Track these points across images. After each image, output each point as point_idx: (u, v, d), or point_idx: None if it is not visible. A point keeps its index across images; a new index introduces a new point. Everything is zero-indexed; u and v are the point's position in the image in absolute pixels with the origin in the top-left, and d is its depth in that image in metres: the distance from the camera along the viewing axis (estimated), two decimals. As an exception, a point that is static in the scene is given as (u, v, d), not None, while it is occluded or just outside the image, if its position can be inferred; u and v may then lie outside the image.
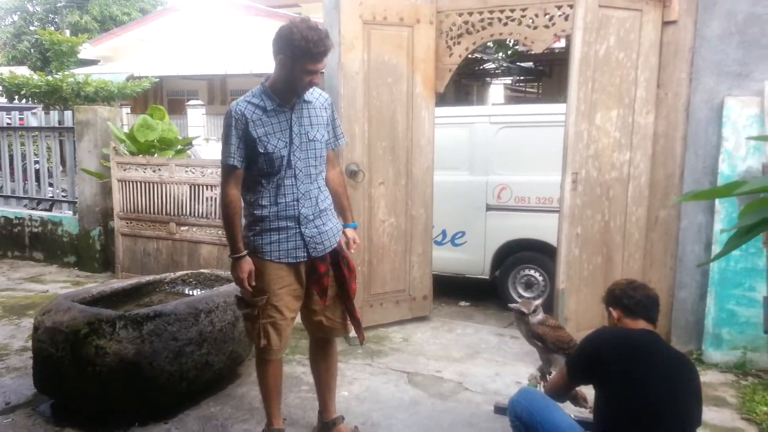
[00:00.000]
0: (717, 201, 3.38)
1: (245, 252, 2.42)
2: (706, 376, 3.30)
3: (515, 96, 17.86)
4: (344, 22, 3.81)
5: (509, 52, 12.14)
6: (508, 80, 15.90)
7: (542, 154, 4.33)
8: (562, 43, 5.57)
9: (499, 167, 4.68)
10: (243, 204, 2.49)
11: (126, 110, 17.97)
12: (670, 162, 3.59)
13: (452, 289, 4.97)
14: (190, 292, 3.57)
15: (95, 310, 2.90)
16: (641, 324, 2.15)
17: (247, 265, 2.41)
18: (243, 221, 2.51)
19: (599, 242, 3.47)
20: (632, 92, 3.49)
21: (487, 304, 4.89)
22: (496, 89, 17.51)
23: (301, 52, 2.24)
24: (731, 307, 3.37)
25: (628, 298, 2.18)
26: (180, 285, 3.67)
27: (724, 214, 3.37)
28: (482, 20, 4.03)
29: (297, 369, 3.40)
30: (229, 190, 2.41)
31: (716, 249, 3.40)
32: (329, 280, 2.51)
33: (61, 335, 2.80)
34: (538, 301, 2.83)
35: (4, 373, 3.39)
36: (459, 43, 4.15)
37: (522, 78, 15.03)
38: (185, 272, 3.75)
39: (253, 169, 2.40)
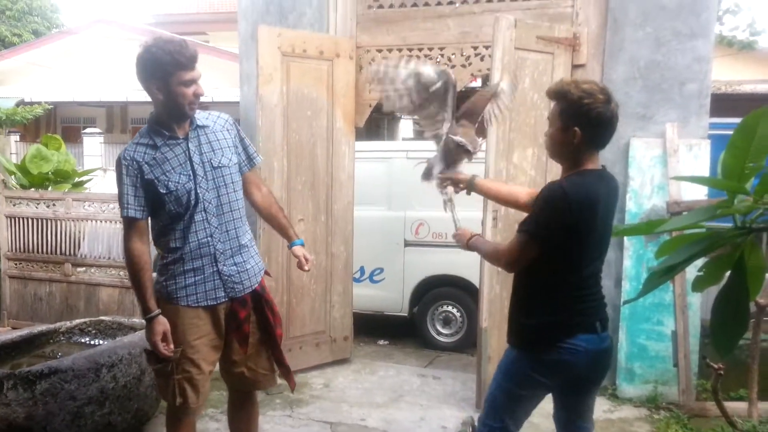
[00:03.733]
0: (626, 238, 3.53)
1: (157, 311, 2.16)
2: (622, 412, 3.39)
3: (423, 131, 18.27)
4: (262, 54, 3.70)
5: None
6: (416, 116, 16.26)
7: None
8: (478, 83, 5.74)
9: (416, 203, 4.69)
10: (157, 250, 2.27)
11: (15, 138, 16.70)
12: (583, 199, 3.72)
13: (371, 328, 4.88)
14: (90, 343, 3.25)
15: (-24, 370, 2.55)
16: (598, 157, 1.92)
17: (161, 326, 2.14)
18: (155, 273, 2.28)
19: (519, 279, 3.52)
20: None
21: (405, 342, 4.84)
22: (406, 124, 17.88)
23: (171, 66, 2.06)
24: (642, 342, 3.50)
25: (599, 114, 1.83)
26: (78, 335, 3.32)
27: (632, 250, 3.52)
28: (402, 58, 4.05)
29: (210, 425, 3.15)
30: (132, 245, 2.17)
31: (626, 285, 3.54)
32: (250, 327, 2.30)
33: (-66, 400, 2.43)
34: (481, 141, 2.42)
35: None
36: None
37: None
38: (83, 320, 3.41)
39: (159, 212, 2.19)
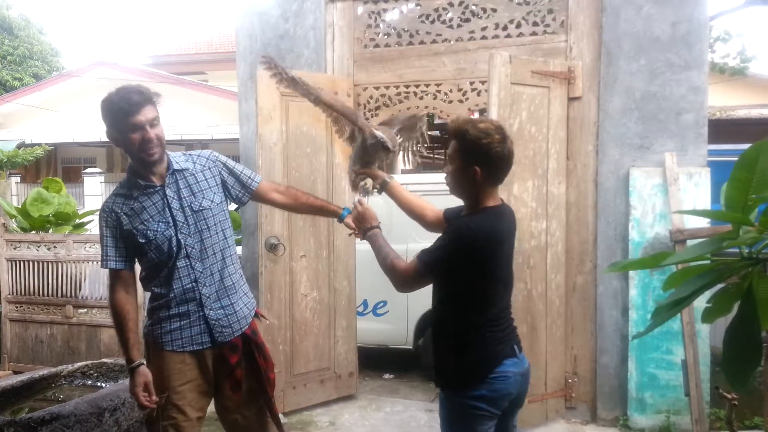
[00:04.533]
0: (630, 266, 3.52)
1: (138, 362, 2.14)
2: (635, 442, 3.34)
3: (423, 162, 18.42)
4: (261, 94, 3.75)
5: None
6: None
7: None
8: (476, 116, 5.83)
9: (417, 235, 4.69)
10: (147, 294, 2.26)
11: (16, 179, 16.79)
12: (583, 229, 3.73)
13: (376, 362, 4.83)
14: (92, 386, 3.21)
15: (-23, 418, 2.51)
16: (497, 192, 2.00)
17: (141, 377, 2.11)
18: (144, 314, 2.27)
19: (524, 311, 3.50)
20: (545, 164, 3.64)
21: (411, 375, 4.78)
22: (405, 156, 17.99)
23: (119, 112, 2.06)
24: (652, 371, 3.46)
25: (497, 153, 1.88)
26: (80, 378, 3.29)
27: (638, 279, 3.51)
28: (399, 94, 4.11)
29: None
30: (115, 295, 2.17)
31: (633, 314, 3.52)
32: (242, 372, 2.24)
33: (-66, 450, 2.39)
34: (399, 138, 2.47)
35: None
36: (377, 115, 4.19)
37: (430, 145, 15.58)
38: (85, 363, 3.38)
39: (143, 260, 2.19)
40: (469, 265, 1.90)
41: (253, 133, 3.99)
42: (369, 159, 2.34)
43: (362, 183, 2.36)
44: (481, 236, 1.88)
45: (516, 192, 3.49)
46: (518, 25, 3.82)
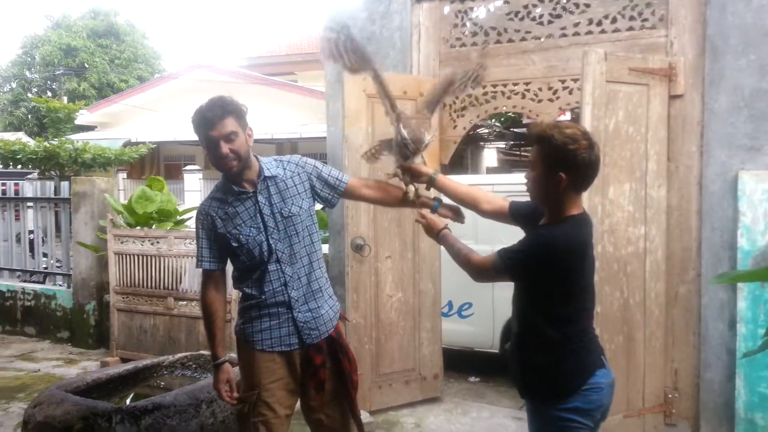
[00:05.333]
0: (737, 276, 3.28)
1: (222, 359, 2.26)
2: (740, 465, 3.11)
3: (509, 159, 18.07)
4: (348, 96, 3.80)
5: (502, 119, 12.35)
6: (501, 144, 16.11)
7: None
8: (567, 116, 5.62)
9: (504, 236, 4.59)
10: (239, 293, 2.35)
11: (123, 176, 18.04)
12: (686, 236, 3.51)
13: (461, 364, 4.78)
14: (191, 377, 3.39)
15: (90, 403, 2.71)
16: (581, 200, 1.93)
17: (225, 374, 2.25)
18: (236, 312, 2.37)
19: (620, 321, 3.34)
20: (643, 166, 3.45)
21: (497, 380, 4.69)
22: (490, 153, 17.72)
23: (198, 126, 2.12)
24: (763, 390, 3.21)
25: (584, 160, 1.82)
26: (179, 369, 3.48)
27: (747, 291, 3.26)
28: (486, 94, 4.04)
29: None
30: (205, 293, 2.30)
31: (741, 328, 3.27)
32: (326, 373, 2.28)
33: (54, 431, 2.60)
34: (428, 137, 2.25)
35: (-12, 470, 3.16)
36: (463, 115, 4.15)
37: (516, 143, 15.23)
38: (184, 354, 3.58)
39: (235, 261, 2.28)
40: (554, 276, 1.87)
41: (339, 135, 4.05)
42: (401, 154, 2.26)
43: (408, 189, 2.32)
44: (566, 248, 1.85)
45: (612, 195, 3.33)
46: (613, 20, 3.65)
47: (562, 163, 1.84)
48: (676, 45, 3.47)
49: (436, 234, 2.20)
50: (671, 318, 3.53)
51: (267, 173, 2.23)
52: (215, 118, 2.10)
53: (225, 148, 2.11)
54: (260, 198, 2.21)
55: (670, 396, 3.53)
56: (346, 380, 2.31)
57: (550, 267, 1.85)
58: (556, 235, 1.87)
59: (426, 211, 2.29)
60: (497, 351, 4.64)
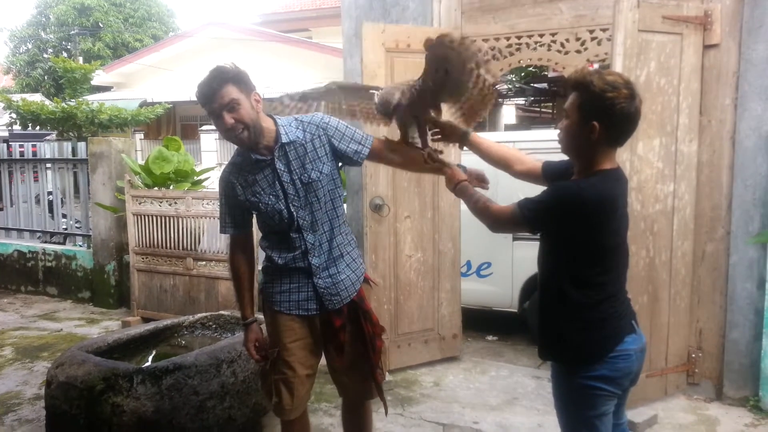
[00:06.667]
0: (769, 234, 3.17)
1: (251, 319, 2.28)
2: (766, 426, 3.06)
3: (528, 117, 17.72)
4: (366, 50, 3.66)
5: (522, 74, 12.03)
6: (520, 101, 15.77)
7: (573, 181, 4.15)
8: (595, 68, 5.42)
9: (524, 195, 4.49)
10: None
11: (139, 136, 18.05)
12: (716, 193, 3.39)
13: (479, 323, 4.76)
14: (211, 337, 3.39)
15: (111, 364, 2.72)
16: (615, 155, 1.82)
17: (253, 334, 2.27)
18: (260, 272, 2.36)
19: (644, 280, 3.26)
20: (674, 120, 3.30)
21: (516, 338, 4.67)
22: (508, 110, 17.38)
23: (199, 100, 2.03)
24: (791, 350, 3.13)
25: (622, 109, 1.71)
26: (199, 329, 3.49)
27: (780, 249, 3.15)
28: (510, 46, 3.87)
29: (324, 420, 3.19)
30: (233, 256, 2.31)
31: (772, 287, 3.18)
32: (346, 336, 2.24)
33: (76, 391, 2.62)
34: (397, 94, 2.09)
35: (16, 426, 3.22)
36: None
37: (536, 99, 14.89)
38: (204, 315, 3.57)
39: (259, 222, 2.25)
40: (579, 232, 1.76)
41: (358, 91, 3.93)
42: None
43: (424, 150, 2.20)
44: (593, 201, 1.73)
45: (640, 151, 3.20)
46: (647, -35, 3.44)
47: (598, 112, 1.73)
48: (712, -10, 3.27)
49: (455, 185, 2.10)
50: (697, 277, 3.44)
51: (285, 139, 2.11)
52: (213, 90, 1.99)
53: (229, 118, 1.99)
54: (278, 165, 2.11)
55: (693, 356, 3.47)
56: (367, 344, 2.26)
57: (574, 220, 1.75)
58: (583, 186, 1.76)
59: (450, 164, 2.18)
60: (516, 310, 4.61)
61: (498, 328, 4.80)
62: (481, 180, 2.22)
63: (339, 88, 2.44)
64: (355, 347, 2.26)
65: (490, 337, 4.73)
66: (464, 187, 2.07)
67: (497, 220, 1.90)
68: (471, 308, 4.63)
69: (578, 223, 1.75)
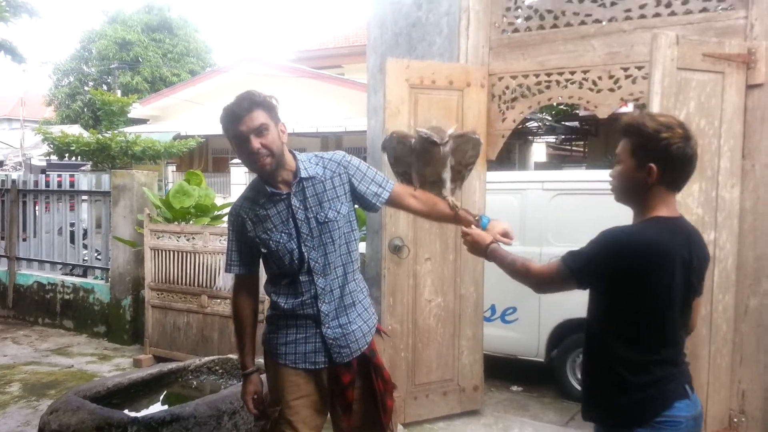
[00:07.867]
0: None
1: (251, 370, 2.12)
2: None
3: (559, 155, 17.49)
4: (390, 86, 3.56)
5: (553, 112, 11.87)
6: (551, 138, 15.58)
7: (604, 224, 3.91)
8: (629, 108, 5.21)
9: (553, 237, 4.30)
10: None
11: (172, 168, 18.33)
12: (761, 243, 3.13)
13: (503, 371, 4.50)
14: (215, 384, 3.23)
15: (106, 413, 2.57)
16: (675, 203, 1.72)
17: (252, 385, 2.12)
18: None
19: (683, 337, 3.00)
20: (715, 163, 3.09)
21: (542, 390, 4.41)
22: (539, 148, 17.17)
23: (225, 122, 1.95)
24: None
25: (678, 150, 1.62)
26: (205, 373, 3.33)
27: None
28: (539, 83, 3.72)
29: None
30: (235, 298, 2.17)
31: (828, 349, 2.89)
32: (354, 393, 2.07)
33: (67, 441, 2.47)
34: (450, 130, 2.23)
35: (11, 472, 3.08)
36: (513, 107, 3.84)
37: (567, 137, 14.68)
38: (211, 358, 3.42)
39: (266, 266, 2.10)
40: (627, 284, 1.62)
41: (380, 127, 3.82)
42: (429, 171, 2.21)
43: (449, 201, 2.22)
44: (640, 249, 1.60)
45: (679, 197, 2.92)
46: (685, 1, 3.27)
47: (653, 154, 1.64)
48: (757, 27, 3.08)
49: (484, 250, 1.98)
50: (740, 334, 3.17)
51: (304, 174, 2.00)
52: (243, 112, 1.92)
53: (256, 142, 1.91)
54: (294, 201, 1.99)
55: (735, 420, 3.17)
56: (379, 403, 2.08)
57: (623, 271, 1.61)
58: (629, 232, 1.66)
59: (469, 229, 2.07)
60: (543, 359, 4.36)
61: (523, 378, 4.55)
62: (505, 236, 2.06)
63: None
64: (364, 406, 2.09)
65: (514, 388, 4.46)
66: (494, 249, 1.97)
67: (542, 282, 1.81)
68: (495, 356, 4.40)
69: (625, 272, 1.62)
